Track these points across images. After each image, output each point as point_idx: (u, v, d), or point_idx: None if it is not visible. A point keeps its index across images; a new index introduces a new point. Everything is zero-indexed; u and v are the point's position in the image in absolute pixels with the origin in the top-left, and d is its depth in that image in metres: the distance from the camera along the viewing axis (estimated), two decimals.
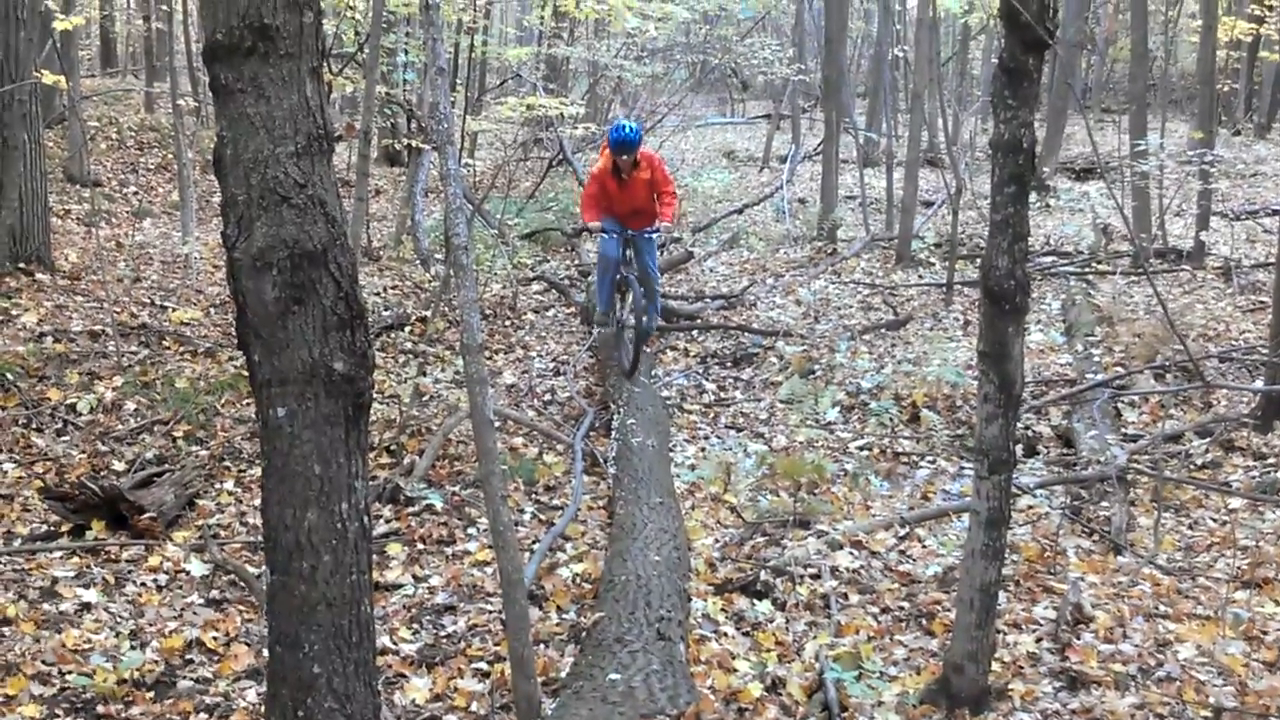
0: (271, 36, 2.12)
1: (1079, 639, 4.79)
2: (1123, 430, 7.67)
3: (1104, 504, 6.48)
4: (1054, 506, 6.41)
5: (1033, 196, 15.41)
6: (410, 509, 6.35)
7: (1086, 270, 12.07)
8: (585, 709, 3.19)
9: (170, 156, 16.75)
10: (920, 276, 12.42)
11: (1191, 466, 7.23)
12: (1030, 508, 6.49)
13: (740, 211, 15.61)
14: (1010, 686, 4.39)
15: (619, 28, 14.28)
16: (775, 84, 23.39)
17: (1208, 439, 7.52)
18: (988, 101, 25.73)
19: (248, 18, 2.06)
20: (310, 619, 2.08)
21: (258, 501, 6.33)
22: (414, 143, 13.39)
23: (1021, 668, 4.58)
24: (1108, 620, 4.93)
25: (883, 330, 10.19)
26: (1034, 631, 4.89)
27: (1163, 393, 8.19)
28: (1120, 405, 8.15)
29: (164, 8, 17.67)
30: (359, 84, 9.02)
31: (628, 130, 8.02)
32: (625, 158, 7.98)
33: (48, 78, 7.62)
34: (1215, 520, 6.46)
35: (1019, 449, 7.61)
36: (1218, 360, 8.80)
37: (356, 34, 13.30)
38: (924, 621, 5.04)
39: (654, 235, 8.25)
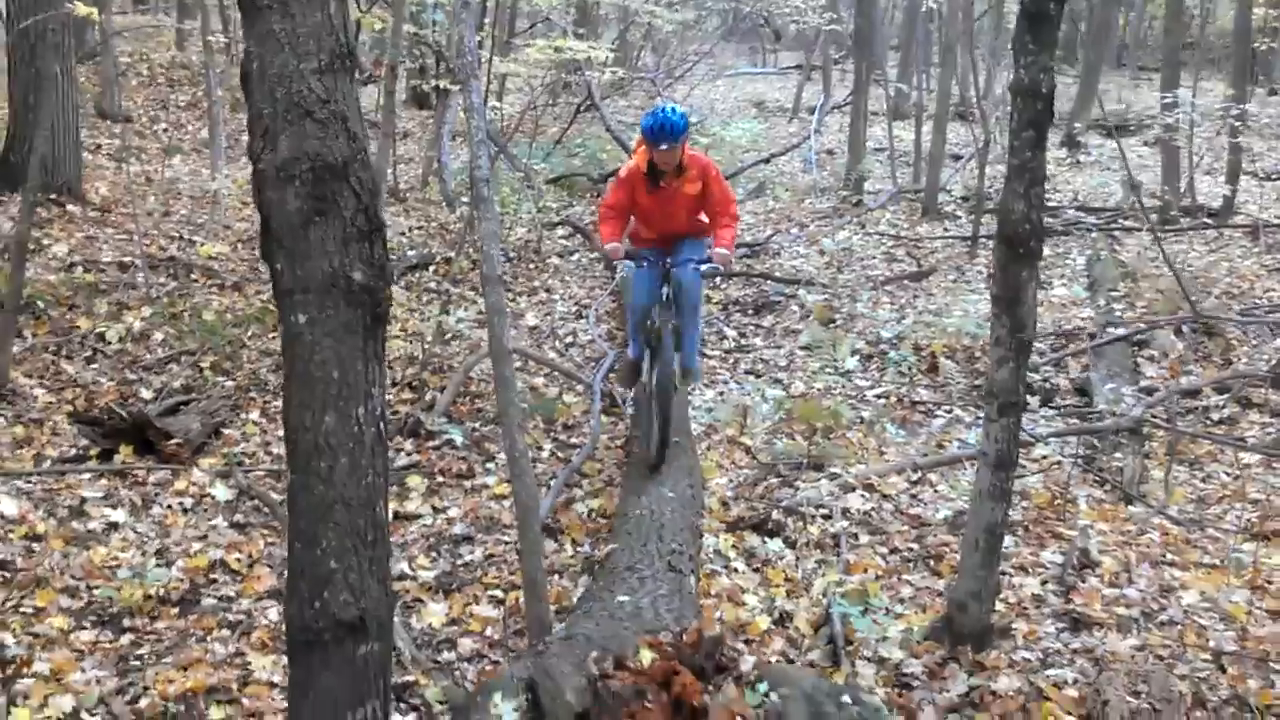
0: None
1: (1084, 583, 4.86)
2: (1140, 384, 7.69)
3: (1118, 455, 6.52)
4: (1067, 456, 6.45)
5: (1063, 152, 15.32)
6: (431, 443, 6.46)
7: (1113, 226, 12.01)
8: (592, 624, 3.30)
9: (200, 94, 16.80)
10: (945, 229, 12.40)
11: (1208, 421, 7.26)
12: (1044, 457, 6.54)
13: (767, 161, 15.56)
14: (1013, 626, 4.47)
15: None
16: (807, 34, 23.19)
17: (1225, 395, 7.55)
18: None
19: None
20: (328, 518, 2.18)
21: (282, 431, 6.50)
22: (442, 84, 13.39)
23: (1025, 609, 4.66)
24: (1114, 566, 5.00)
25: (905, 281, 10.21)
26: (1040, 575, 4.96)
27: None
28: (1139, 360, 8.17)
29: None
30: (387, 23, 9.02)
31: (668, 112, 5.88)
32: (665, 149, 5.81)
33: (80, 9, 7.67)
34: (1229, 475, 6.50)
35: (1036, 400, 7.69)
36: (1239, 317, 8.77)
37: None
38: (931, 562, 5.12)
39: (701, 266, 6.00)
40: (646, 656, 2.53)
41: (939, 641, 4.34)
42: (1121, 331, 8.38)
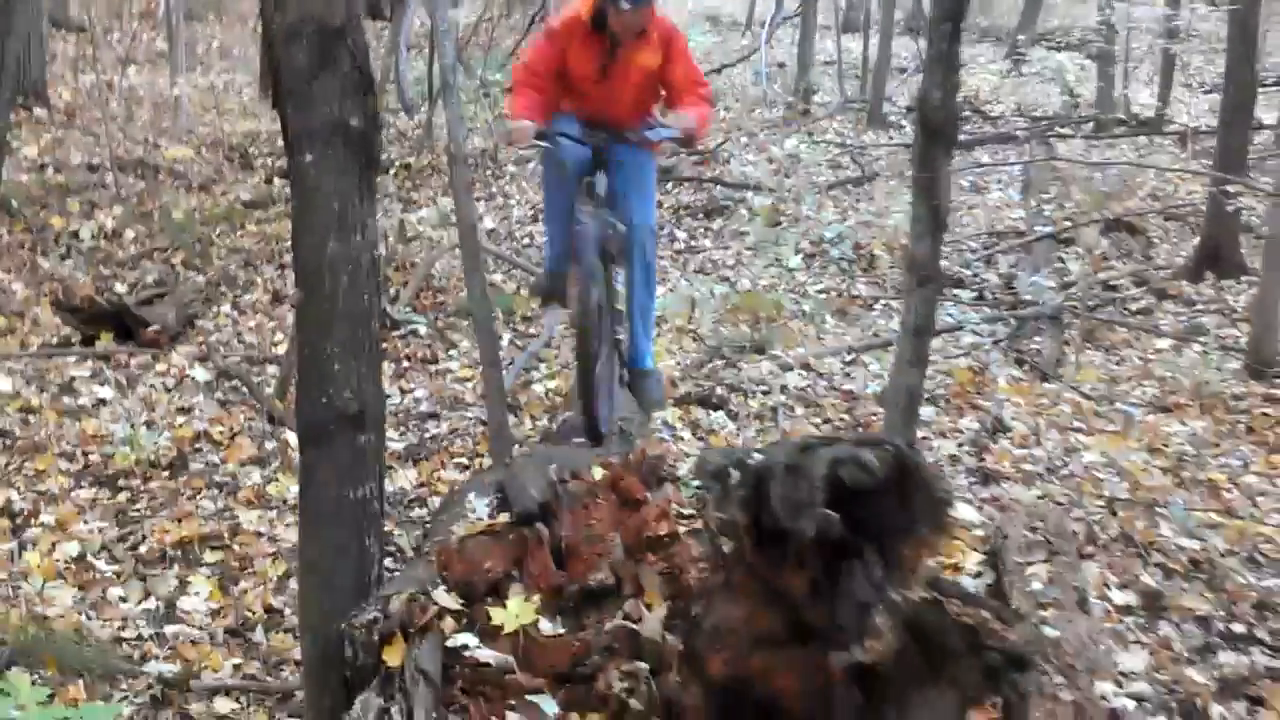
0: None
1: (996, 445, 5.36)
2: (1065, 279, 8.18)
3: (1037, 340, 7.02)
4: (990, 339, 6.94)
5: (1007, 65, 15.64)
6: (396, 333, 6.84)
7: (1049, 134, 12.47)
8: (548, 450, 3.73)
9: (153, 4, 16.79)
10: (890, 138, 12.79)
11: (1125, 312, 7.77)
12: (971, 345, 7.03)
13: (718, 72, 15.82)
14: None
15: None
16: None
17: (1143, 287, 8.06)
18: None
19: None
20: (330, 329, 2.60)
21: (252, 322, 6.87)
22: None
23: (943, 466, 5.15)
24: (1024, 431, 5.51)
25: (849, 186, 10.62)
26: (957, 439, 5.45)
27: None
28: (1064, 256, 8.66)
29: None
30: None
31: None
32: (628, 8, 4.37)
33: None
34: (1141, 360, 7.02)
35: (968, 294, 8.19)
36: (1161, 218, 9.28)
37: None
38: (860, 429, 5.60)
39: (647, 145, 4.64)
40: (598, 472, 2.96)
41: None
42: (1049, 230, 8.85)
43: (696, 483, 2.57)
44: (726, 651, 2.13)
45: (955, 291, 8.03)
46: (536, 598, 2.47)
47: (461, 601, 2.46)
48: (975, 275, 8.39)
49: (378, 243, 2.70)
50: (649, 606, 2.39)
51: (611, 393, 4.70)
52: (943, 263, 8.57)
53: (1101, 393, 6.25)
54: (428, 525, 3.53)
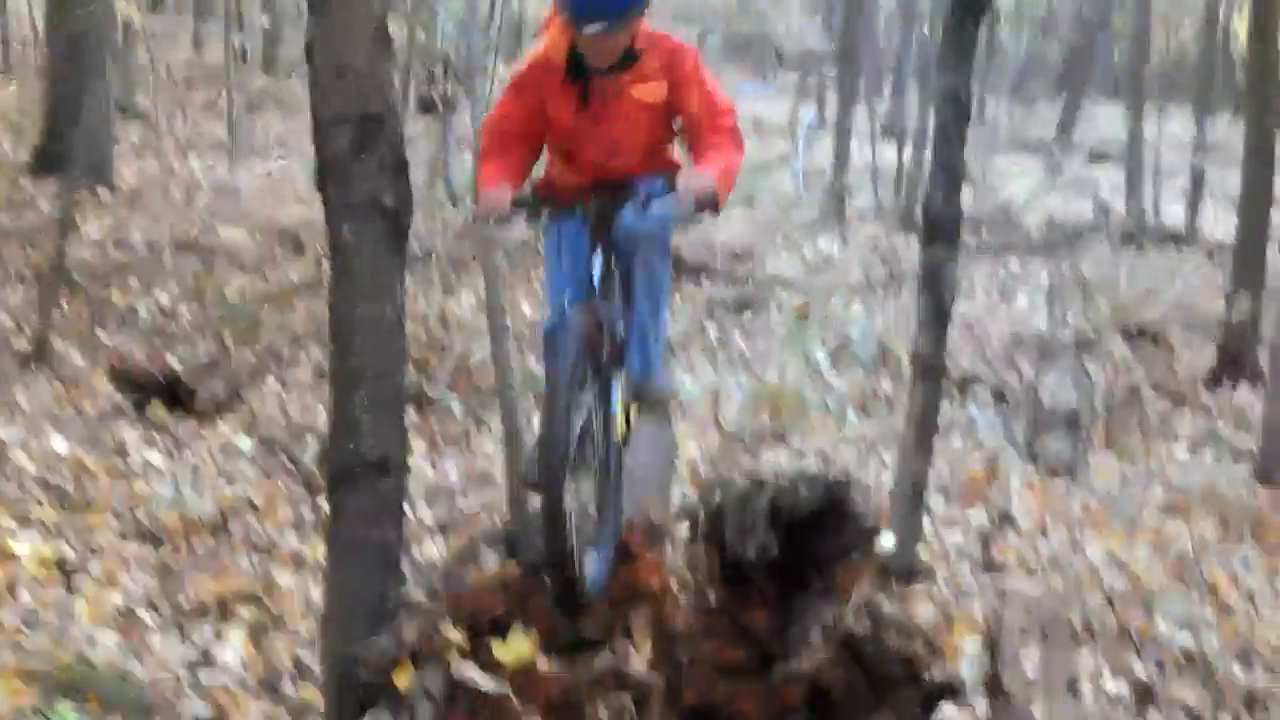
0: None
1: (1003, 538, 5.55)
2: (1086, 383, 8.37)
3: (1053, 440, 7.21)
4: (1006, 439, 7.15)
5: (1041, 176, 16.01)
6: (432, 411, 7.14)
7: (1077, 243, 12.74)
8: None
9: (216, 95, 17.51)
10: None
11: (1144, 416, 7.95)
12: (988, 443, 7.23)
13: (757, 174, 16.27)
14: (936, 568, 5.15)
15: None
16: (807, 55, 23.96)
17: (1162, 394, 8.25)
18: (1017, 81, 26.33)
19: None
20: (358, 383, 2.93)
21: (296, 397, 7.19)
22: (448, 90, 14.11)
23: (948, 555, 5.34)
24: (1031, 526, 5.69)
25: (877, 288, 10.91)
26: (965, 530, 5.64)
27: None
28: (1087, 362, 8.86)
29: None
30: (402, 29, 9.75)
31: None
32: (596, 31, 3.46)
33: (123, 8, 8.37)
34: (1157, 464, 7.19)
35: (988, 393, 8.40)
36: (1181, 328, 9.49)
37: None
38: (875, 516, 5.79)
39: (655, 208, 3.60)
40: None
41: (871, 578, 5.00)
42: (1070, 336, 9.07)
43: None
44: (699, 683, 2.37)
45: (975, 391, 8.26)
46: (535, 635, 2.73)
47: (467, 636, 2.71)
48: (998, 377, 8.60)
49: (404, 307, 3.03)
50: (636, 648, 2.64)
51: (611, 519, 3.46)
52: (965, 364, 8.88)
53: (1112, 493, 6.43)
54: (444, 572, 3.78)
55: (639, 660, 2.59)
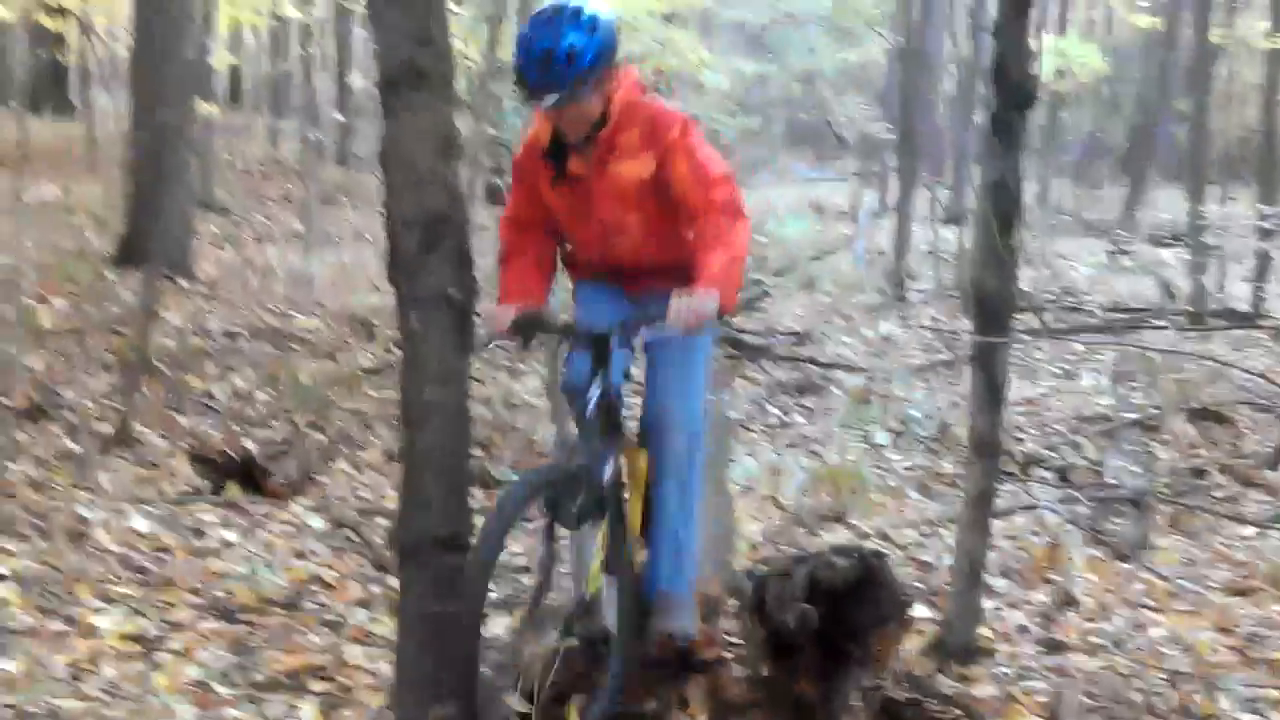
0: (423, 75, 3.18)
1: (1065, 618, 5.54)
2: (1150, 464, 8.34)
3: (1117, 522, 7.17)
4: (1069, 520, 7.13)
5: (1105, 257, 16.00)
6: (497, 490, 7.28)
7: (1144, 325, 12.71)
8: None
9: (290, 188, 18.13)
10: None
11: (1211, 498, 7.89)
12: (1050, 524, 7.21)
13: (818, 258, 16.45)
14: (997, 647, 5.15)
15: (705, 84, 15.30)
16: (869, 141, 24.23)
17: (1228, 475, 8.18)
18: (1079, 164, 26.37)
19: (409, 64, 3.12)
20: (427, 464, 3.11)
21: (366, 479, 7.38)
22: None
23: (1009, 635, 5.34)
24: (1094, 605, 5.68)
25: (939, 369, 10.95)
26: (1027, 610, 5.64)
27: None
28: (1151, 443, 8.82)
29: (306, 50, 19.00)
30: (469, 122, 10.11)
31: (544, 22, 3.35)
32: (549, 106, 3.34)
33: (204, 106, 8.80)
34: (1224, 546, 7.12)
35: (1052, 475, 8.38)
36: (1247, 409, 9.41)
37: (469, 82, 14.49)
38: (934, 599, 5.81)
39: (639, 334, 3.49)
40: None
41: (930, 657, 5.03)
42: (1134, 417, 9.05)
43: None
44: None
45: (1038, 471, 8.25)
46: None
47: (528, 706, 2.82)
48: (1062, 458, 8.58)
49: (468, 391, 3.22)
50: (692, 718, 2.73)
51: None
52: (1028, 444, 8.88)
53: (1178, 575, 6.38)
54: (509, 646, 3.90)
55: None
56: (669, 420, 3.57)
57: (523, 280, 3.61)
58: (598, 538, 3.37)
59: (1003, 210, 4.56)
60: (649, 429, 3.66)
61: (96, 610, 5.06)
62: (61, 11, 14.61)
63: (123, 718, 4.11)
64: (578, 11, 3.29)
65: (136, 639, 4.85)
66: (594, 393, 3.41)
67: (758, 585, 2.51)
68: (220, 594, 5.35)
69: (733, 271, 3.33)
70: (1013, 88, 4.35)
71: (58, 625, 4.93)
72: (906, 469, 8.39)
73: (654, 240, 3.55)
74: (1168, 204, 22.80)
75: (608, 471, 3.41)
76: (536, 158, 3.56)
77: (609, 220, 3.54)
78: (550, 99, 3.28)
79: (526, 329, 3.56)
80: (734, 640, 3.11)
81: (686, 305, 3.21)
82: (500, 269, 3.71)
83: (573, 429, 3.63)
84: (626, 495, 3.68)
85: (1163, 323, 12.76)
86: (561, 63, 3.22)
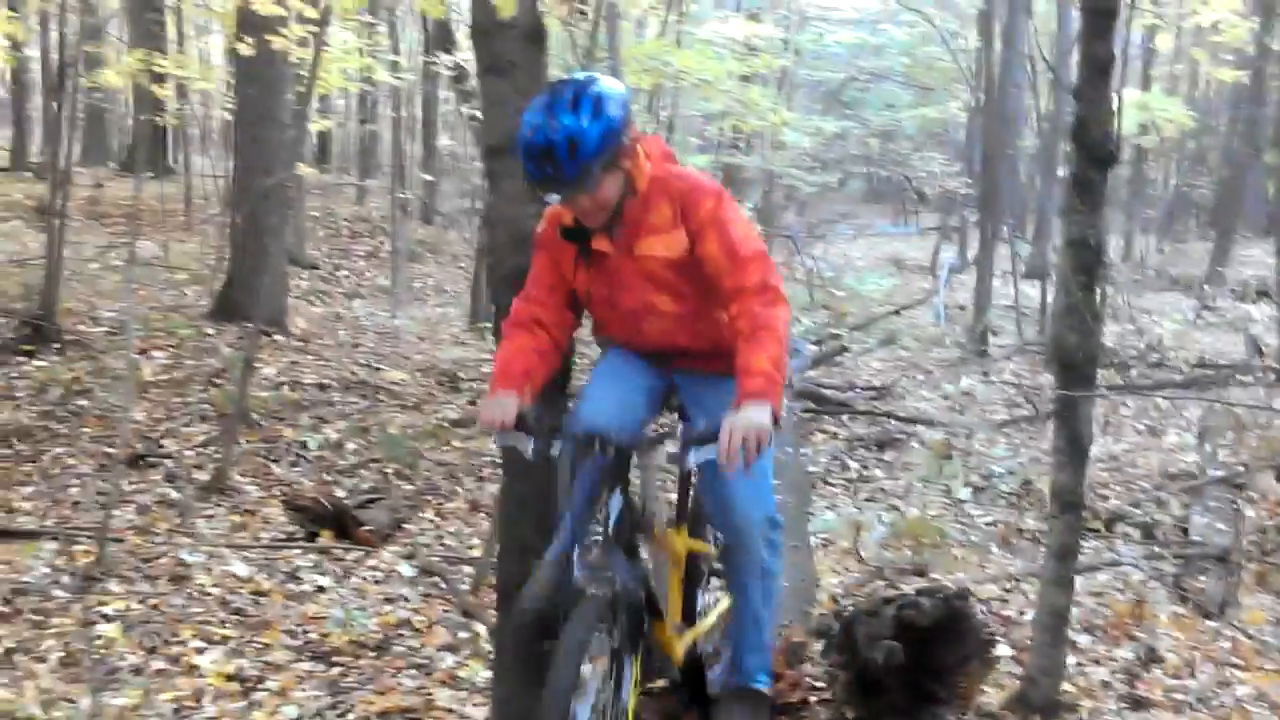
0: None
1: (1149, 674, 5.50)
2: (1238, 522, 8.23)
3: (1203, 579, 7.10)
4: (1154, 576, 7.07)
5: (1191, 314, 15.83)
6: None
7: (1230, 382, 12.53)
8: None
9: (378, 244, 18.58)
10: None
11: None
12: (1134, 581, 7.15)
13: (898, 313, 16.47)
14: (1080, 703, 5.14)
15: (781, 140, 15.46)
16: (948, 196, 24.25)
17: None
18: (1164, 219, 26.09)
19: (513, 133, 3.29)
20: (523, 510, 3.26)
21: (452, 527, 7.55)
22: None
23: (1093, 691, 5.32)
24: (1179, 663, 5.63)
25: (1022, 425, 10.90)
26: (1110, 666, 5.62)
27: None
28: (1239, 501, 8.70)
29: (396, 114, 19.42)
30: None
31: (553, 104, 3.04)
32: (557, 199, 3.15)
33: (303, 169, 9.14)
34: None
35: (1138, 532, 8.30)
36: None
37: None
38: (1017, 656, 5.81)
39: (692, 456, 3.01)
40: None
41: (1014, 711, 5.03)
42: (1221, 474, 8.93)
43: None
44: None
45: (1123, 529, 8.17)
46: None
47: None
48: (1148, 516, 8.50)
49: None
50: None
51: None
52: (1113, 501, 8.81)
53: (1264, 633, 6.30)
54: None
55: None
56: (745, 526, 3.30)
57: (525, 366, 3.18)
58: (633, 674, 3.05)
59: (1084, 267, 4.62)
60: (720, 539, 3.46)
61: (198, 650, 5.26)
62: (161, 78, 15.22)
63: None
64: (578, 95, 2.98)
65: (236, 678, 5.04)
66: (614, 505, 3.03)
67: (846, 624, 2.59)
68: (314, 636, 5.53)
69: (778, 369, 2.99)
70: (1094, 146, 4.43)
71: (161, 664, 5.14)
72: (988, 524, 8.36)
73: (688, 323, 3.28)
74: (1255, 259, 22.47)
75: (642, 593, 3.10)
76: (554, 238, 3.30)
77: (637, 303, 3.26)
78: (554, 197, 3.05)
79: (537, 428, 3.03)
80: (818, 685, 3.17)
81: (742, 429, 2.85)
82: (500, 344, 3.30)
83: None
84: (655, 585, 3.43)
85: (1250, 379, 12.56)
86: (563, 155, 2.93)
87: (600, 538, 3.03)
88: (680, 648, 3.38)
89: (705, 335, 3.27)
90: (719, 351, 3.19)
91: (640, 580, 3.07)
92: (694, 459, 2.91)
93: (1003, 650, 5.76)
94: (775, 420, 2.88)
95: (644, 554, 3.38)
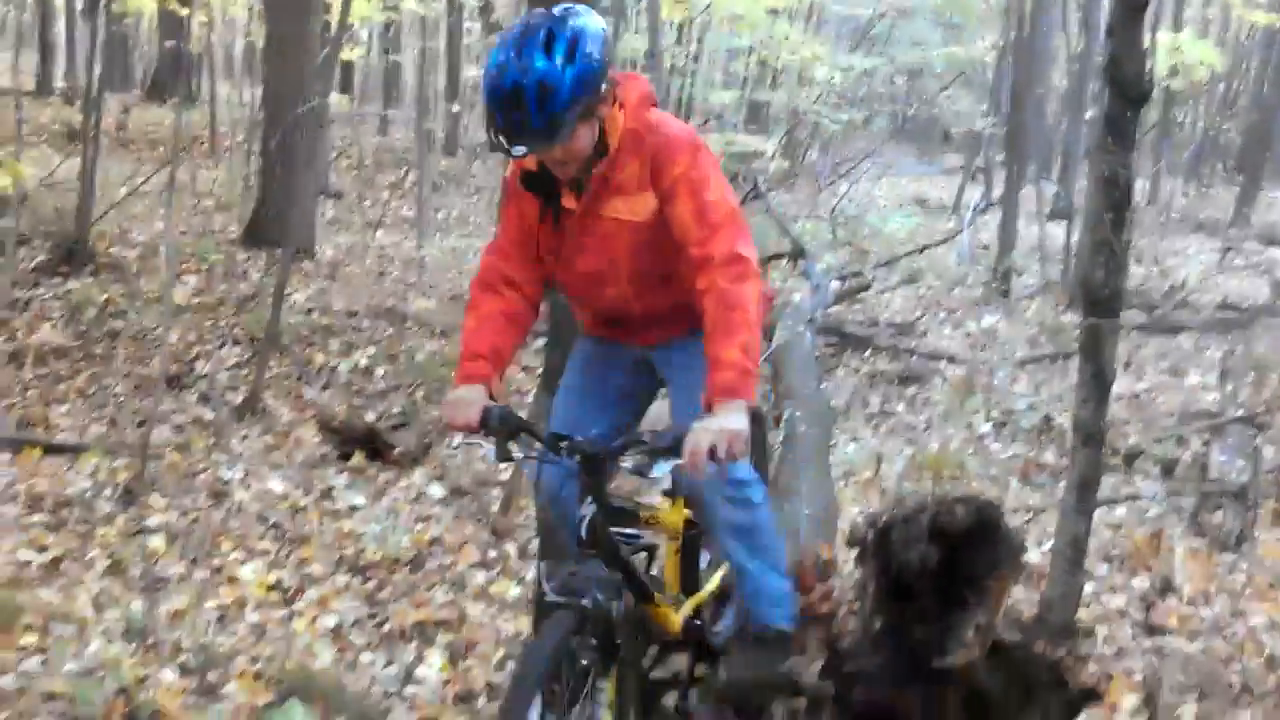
0: None
1: (1164, 603, 5.63)
2: (1256, 459, 8.31)
3: (1220, 514, 7.20)
4: (1172, 511, 7.18)
5: (1216, 256, 15.82)
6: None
7: (1251, 322, 12.56)
8: None
9: (401, 175, 18.63)
10: None
11: None
12: (1153, 516, 7.27)
13: (921, 251, 16.44)
14: (1096, 629, 5.28)
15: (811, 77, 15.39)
16: (974, 136, 24.09)
17: None
18: (1191, 162, 25.89)
19: None
20: None
21: (480, 452, 7.68)
22: None
23: (1109, 618, 5.46)
24: (1194, 593, 5.75)
25: (1044, 361, 10.97)
26: (1126, 595, 5.74)
27: None
28: (1259, 440, 8.77)
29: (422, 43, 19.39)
30: None
31: (523, 42, 2.66)
32: (522, 152, 2.76)
33: (335, 100, 9.20)
34: None
35: (1158, 469, 8.41)
36: None
37: None
38: (1033, 578, 5.94)
39: (656, 470, 2.78)
40: None
41: (1030, 633, 5.17)
42: (1242, 413, 9.00)
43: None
44: (865, 689, 2.67)
45: (1142, 465, 8.27)
46: None
47: None
48: (1167, 454, 8.59)
49: None
50: (809, 661, 2.95)
51: None
52: (1132, 438, 8.90)
53: None
54: None
55: (811, 671, 2.90)
56: (699, 492, 3.19)
57: (494, 340, 2.98)
58: (606, 693, 2.85)
59: (1114, 205, 4.66)
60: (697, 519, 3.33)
61: (239, 562, 5.43)
62: (187, 2, 15.23)
63: (270, 655, 4.45)
64: (552, 32, 2.64)
65: (276, 589, 5.21)
66: (586, 511, 2.86)
67: (882, 530, 2.71)
68: (350, 552, 5.69)
69: (750, 357, 2.74)
70: (1127, 84, 4.45)
71: (204, 574, 5.31)
72: (1008, 458, 8.47)
73: (649, 289, 3.06)
74: None
75: (616, 606, 2.82)
76: (518, 192, 3.01)
77: (598, 267, 3.02)
78: (520, 149, 2.70)
79: (499, 430, 2.83)
80: (848, 597, 3.31)
81: (711, 437, 2.61)
82: (467, 309, 3.07)
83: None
84: (655, 571, 3.53)
85: (1274, 320, 12.59)
86: (533, 103, 2.60)
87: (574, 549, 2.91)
88: (678, 618, 3.34)
89: (668, 297, 3.06)
90: (684, 309, 2.99)
91: (614, 589, 2.83)
92: (657, 472, 2.71)
93: (1032, 557, 5.90)
94: (753, 416, 2.71)
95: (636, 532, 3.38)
